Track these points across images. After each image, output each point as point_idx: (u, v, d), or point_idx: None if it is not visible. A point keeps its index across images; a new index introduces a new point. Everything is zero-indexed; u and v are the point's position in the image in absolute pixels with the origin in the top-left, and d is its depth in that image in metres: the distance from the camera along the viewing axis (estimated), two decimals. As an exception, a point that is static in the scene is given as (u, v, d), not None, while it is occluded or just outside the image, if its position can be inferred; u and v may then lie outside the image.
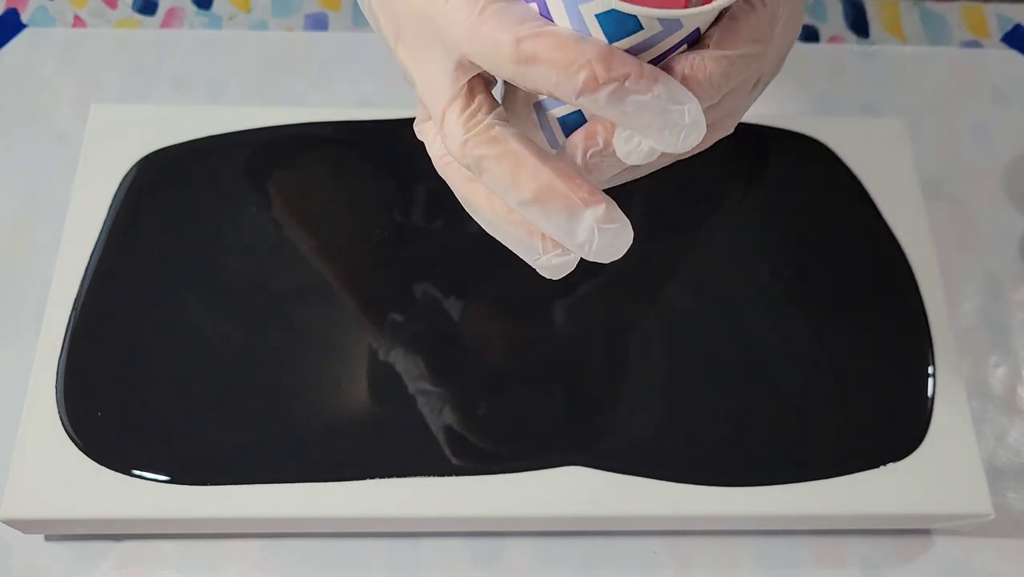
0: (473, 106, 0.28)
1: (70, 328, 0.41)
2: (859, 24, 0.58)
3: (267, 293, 0.43)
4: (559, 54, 0.26)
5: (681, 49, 0.28)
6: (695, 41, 0.28)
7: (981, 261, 0.50)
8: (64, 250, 0.43)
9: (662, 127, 0.27)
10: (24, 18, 0.55)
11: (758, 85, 0.31)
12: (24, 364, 0.41)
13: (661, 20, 0.26)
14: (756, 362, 0.43)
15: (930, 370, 0.43)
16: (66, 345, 0.41)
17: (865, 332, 0.44)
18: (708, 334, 0.44)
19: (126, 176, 0.45)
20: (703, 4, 0.26)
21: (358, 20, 0.56)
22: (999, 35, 0.58)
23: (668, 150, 0.27)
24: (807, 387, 0.42)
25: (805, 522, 0.42)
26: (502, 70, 0.27)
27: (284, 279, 0.43)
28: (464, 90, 0.28)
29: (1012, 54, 0.58)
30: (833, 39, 0.58)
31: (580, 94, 0.26)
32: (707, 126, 0.29)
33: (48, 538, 0.41)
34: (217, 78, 0.53)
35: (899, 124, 0.49)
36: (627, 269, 0.45)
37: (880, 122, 0.50)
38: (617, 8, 0.26)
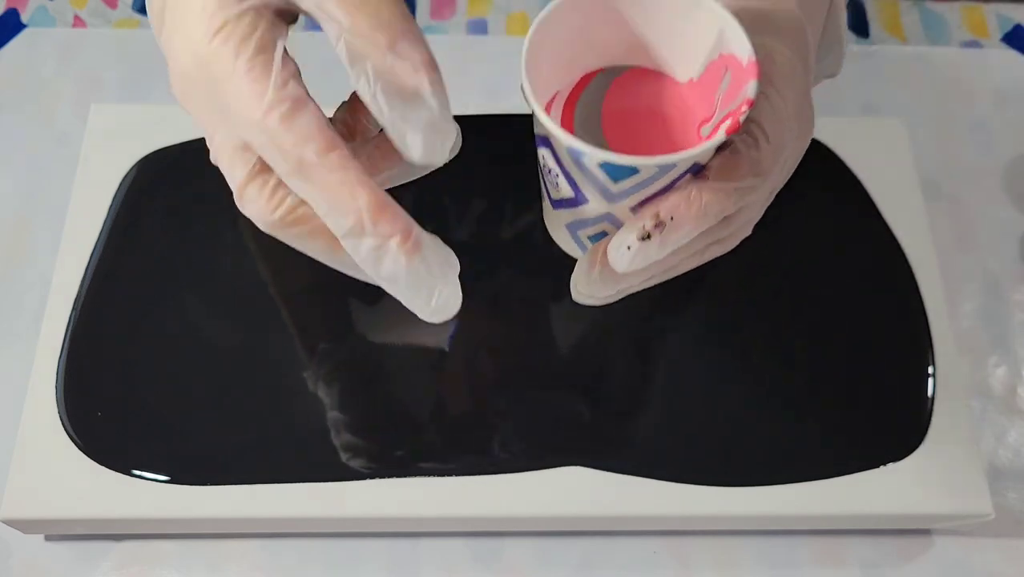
0: (271, 184, 0.28)
1: (70, 328, 0.41)
2: (859, 24, 0.58)
3: (267, 293, 0.43)
4: (336, 189, 0.25)
5: (685, 178, 0.29)
6: (699, 169, 0.29)
7: (981, 261, 0.50)
8: (64, 250, 0.43)
9: (410, 299, 0.28)
10: (24, 18, 0.55)
11: (769, 197, 0.32)
12: (24, 364, 0.41)
13: (658, 165, 0.28)
14: (756, 362, 0.43)
15: (930, 370, 0.43)
16: (66, 345, 0.41)
17: (865, 332, 0.44)
18: (708, 334, 0.44)
19: (126, 176, 0.45)
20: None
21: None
22: (999, 35, 0.58)
23: (421, 316, 0.28)
24: (807, 387, 0.42)
25: (805, 522, 0.42)
26: (279, 170, 0.26)
27: (283, 279, 0.43)
28: (257, 167, 0.28)
29: (1012, 54, 0.58)
30: (833, 39, 0.58)
31: (344, 237, 0.26)
32: (718, 241, 0.31)
33: (48, 538, 0.41)
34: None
35: (899, 124, 0.49)
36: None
37: (880, 122, 0.50)
38: (612, 161, 0.27)
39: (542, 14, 0.30)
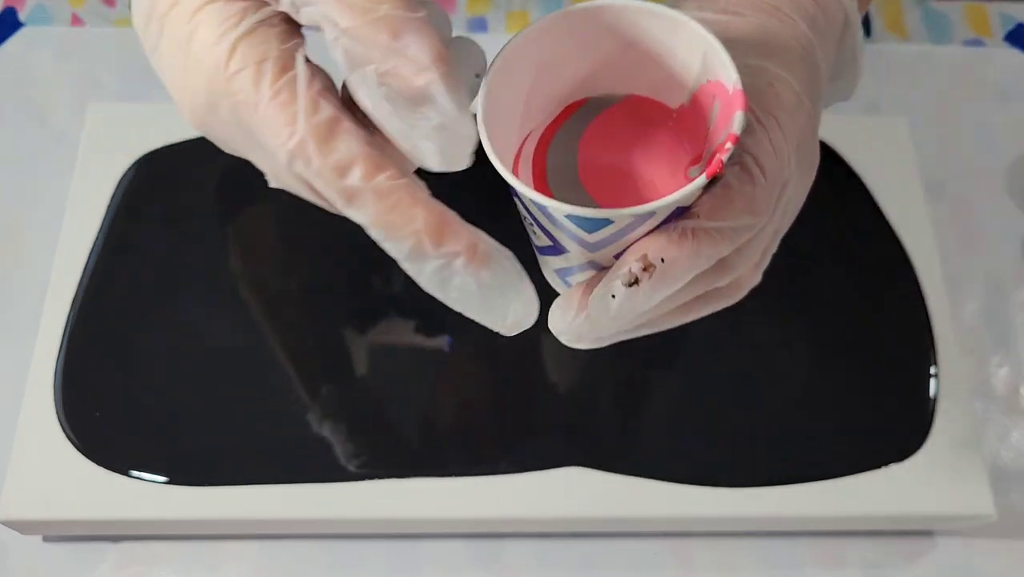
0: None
1: (68, 328, 0.41)
2: (862, 23, 0.58)
3: (265, 293, 0.43)
4: (389, 215, 0.23)
5: (670, 221, 0.26)
6: (684, 211, 0.26)
7: (984, 261, 0.50)
8: (62, 250, 0.43)
9: (483, 317, 0.25)
10: (22, 16, 0.55)
11: (774, 240, 0.29)
12: (22, 364, 0.41)
13: (633, 215, 0.25)
14: (758, 363, 0.43)
15: (933, 371, 0.43)
16: (64, 345, 0.41)
17: (867, 332, 0.44)
18: (710, 335, 0.43)
19: (124, 176, 0.45)
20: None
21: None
22: (1002, 34, 0.58)
23: (497, 330, 0.25)
24: (809, 388, 0.42)
25: (807, 523, 0.42)
26: (327, 197, 0.24)
27: (283, 279, 0.43)
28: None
29: (1015, 53, 0.57)
30: (835, 38, 0.57)
31: (406, 261, 0.23)
32: (717, 290, 0.28)
33: (46, 539, 0.41)
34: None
35: (901, 123, 0.49)
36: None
37: (882, 121, 0.50)
38: (578, 214, 0.24)
39: (497, 58, 0.26)
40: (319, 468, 0.39)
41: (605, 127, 0.29)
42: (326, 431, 0.40)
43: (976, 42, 0.58)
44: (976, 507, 0.40)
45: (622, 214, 0.24)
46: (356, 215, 0.23)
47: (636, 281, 0.25)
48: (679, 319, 0.29)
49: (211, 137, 0.26)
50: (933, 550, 0.43)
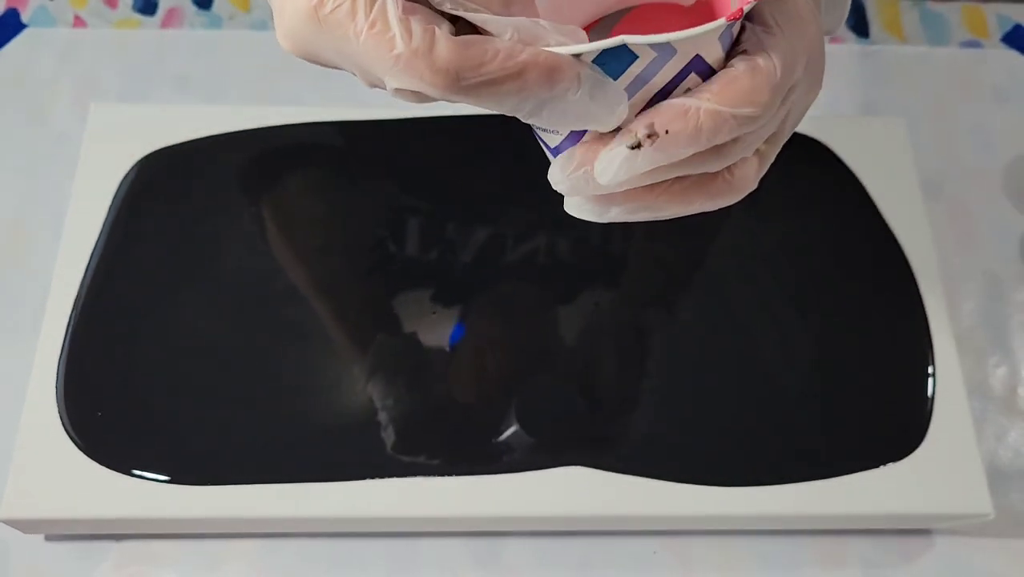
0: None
1: (70, 328, 0.41)
2: (859, 24, 0.58)
3: (267, 293, 0.43)
4: (513, 93, 0.26)
5: (691, 81, 0.28)
6: (708, 75, 0.28)
7: (981, 261, 0.50)
8: (64, 250, 0.43)
9: (591, 123, 0.27)
10: (24, 18, 0.55)
11: (771, 144, 0.31)
12: (24, 364, 0.41)
13: (653, 46, 0.26)
14: (756, 362, 0.43)
15: (930, 370, 0.43)
16: (66, 345, 0.41)
17: (865, 332, 0.44)
18: (708, 334, 0.44)
19: (126, 176, 0.45)
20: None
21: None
22: (999, 35, 0.58)
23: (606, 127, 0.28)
24: (807, 387, 0.42)
25: (805, 522, 0.42)
26: (435, 96, 0.26)
27: (284, 279, 0.43)
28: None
29: (1012, 54, 0.57)
30: (833, 39, 0.58)
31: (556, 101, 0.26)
32: (717, 185, 0.30)
33: (48, 538, 0.41)
34: (217, 78, 0.53)
35: (899, 124, 0.49)
36: (628, 270, 0.45)
37: (880, 122, 0.50)
38: (606, 47, 0.26)
39: None
40: (319, 468, 0.39)
41: (623, 32, 0.31)
42: (327, 430, 0.40)
43: (973, 43, 0.58)
44: (974, 506, 0.40)
45: (641, 41, 0.26)
46: (477, 101, 0.26)
47: (639, 145, 0.27)
48: (677, 206, 0.31)
49: (303, 57, 0.28)
50: (931, 549, 0.43)
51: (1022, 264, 0.50)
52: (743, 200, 0.41)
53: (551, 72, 0.26)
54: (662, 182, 0.30)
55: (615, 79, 0.27)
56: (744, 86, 0.27)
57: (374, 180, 0.46)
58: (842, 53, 0.56)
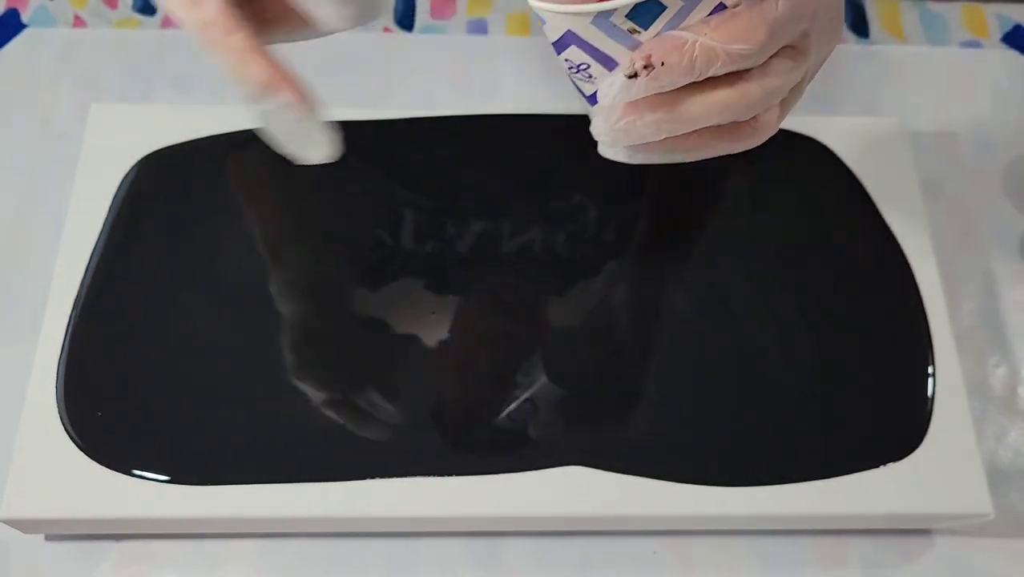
0: None
1: (70, 328, 0.41)
2: (859, 24, 0.58)
3: (267, 293, 0.43)
4: (238, 69, 0.33)
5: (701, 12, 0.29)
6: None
7: (981, 261, 0.50)
8: (64, 250, 0.43)
9: (291, 151, 0.35)
10: (24, 18, 0.55)
11: (790, 91, 0.32)
12: (24, 364, 0.41)
13: None
14: (756, 362, 0.43)
15: (930, 370, 0.43)
16: (66, 345, 0.41)
17: (865, 332, 0.44)
18: (708, 334, 0.44)
19: (126, 176, 0.45)
20: None
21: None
22: (999, 35, 0.58)
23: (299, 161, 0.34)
24: (807, 387, 0.42)
25: (805, 522, 0.42)
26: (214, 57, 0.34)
27: (285, 279, 0.43)
28: None
29: (1012, 54, 0.58)
30: (833, 39, 0.58)
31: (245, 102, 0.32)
32: (737, 127, 0.31)
33: (48, 538, 0.41)
34: (217, 78, 0.53)
35: (899, 124, 0.49)
36: (628, 271, 0.45)
37: (880, 122, 0.50)
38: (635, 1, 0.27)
39: None
40: (319, 468, 0.39)
41: None
42: (326, 430, 0.40)
43: (973, 43, 0.58)
44: (974, 506, 0.40)
45: None
46: (214, 61, 0.32)
47: (635, 75, 0.29)
48: (704, 150, 0.32)
49: None
50: (931, 549, 0.43)
51: (1022, 264, 0.50)
52: (743, 199, 0.41)
53: (273, 81, 0.32)
54: (692, 132, 0.31)
55: (646, 28, 0.28)
56: (741, 24, 0.29)
57: (373, 180, 0.46)
58: (842, 53, 0.56)
